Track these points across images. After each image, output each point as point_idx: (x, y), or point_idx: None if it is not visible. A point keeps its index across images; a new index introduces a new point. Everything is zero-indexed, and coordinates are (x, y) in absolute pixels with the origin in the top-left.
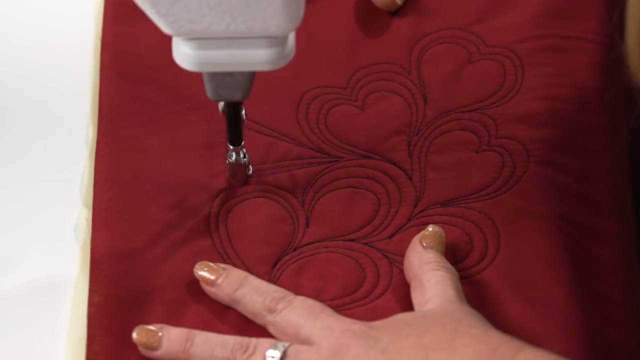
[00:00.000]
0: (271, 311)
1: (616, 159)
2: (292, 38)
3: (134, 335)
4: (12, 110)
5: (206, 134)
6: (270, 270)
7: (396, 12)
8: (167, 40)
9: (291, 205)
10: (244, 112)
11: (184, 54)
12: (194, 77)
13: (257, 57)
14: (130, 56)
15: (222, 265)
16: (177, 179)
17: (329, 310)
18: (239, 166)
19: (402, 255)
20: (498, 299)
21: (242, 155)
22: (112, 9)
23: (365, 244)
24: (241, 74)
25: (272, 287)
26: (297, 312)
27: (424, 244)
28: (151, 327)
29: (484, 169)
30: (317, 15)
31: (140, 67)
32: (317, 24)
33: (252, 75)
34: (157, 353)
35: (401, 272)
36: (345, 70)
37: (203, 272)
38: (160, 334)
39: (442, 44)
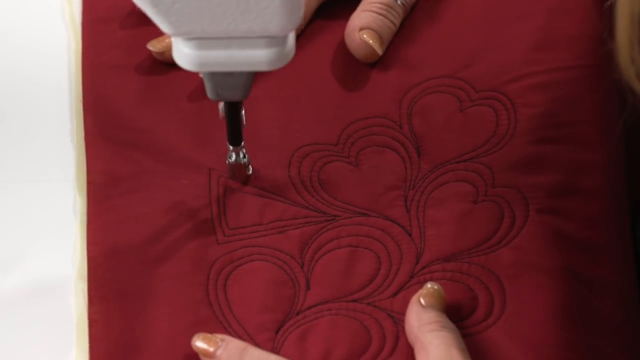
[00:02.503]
0: None
1: (616, 198)
2: (291, 38)
3: None
4: (11, 110)
5: (198, 199)
6: (273, 336)
7: (376, 63)
8: (152, 99)
9: (290, 268)
10: (243, 112)
11: (184, 54)
12: (183, 138)
13: (257, 57)
14: (115, 118)
15: (220, 336)
16: (172, 248)
17: None
18: (238, 166)
19: None
20: (505, 357)
21: (242, 156)
22: (91, 70)
23: (368, 304)
24: (241, 73)
25: (273, 357)
26: None
27: (423, 303)
28: None
29: (484, 221)
30: (298, 72)
31: (126, 129)
32: (299, 80)
33: (252, 75)
34: None
35: None
36: (334, 126)
37: (201, 343)
38: None
39: (431, 93)
